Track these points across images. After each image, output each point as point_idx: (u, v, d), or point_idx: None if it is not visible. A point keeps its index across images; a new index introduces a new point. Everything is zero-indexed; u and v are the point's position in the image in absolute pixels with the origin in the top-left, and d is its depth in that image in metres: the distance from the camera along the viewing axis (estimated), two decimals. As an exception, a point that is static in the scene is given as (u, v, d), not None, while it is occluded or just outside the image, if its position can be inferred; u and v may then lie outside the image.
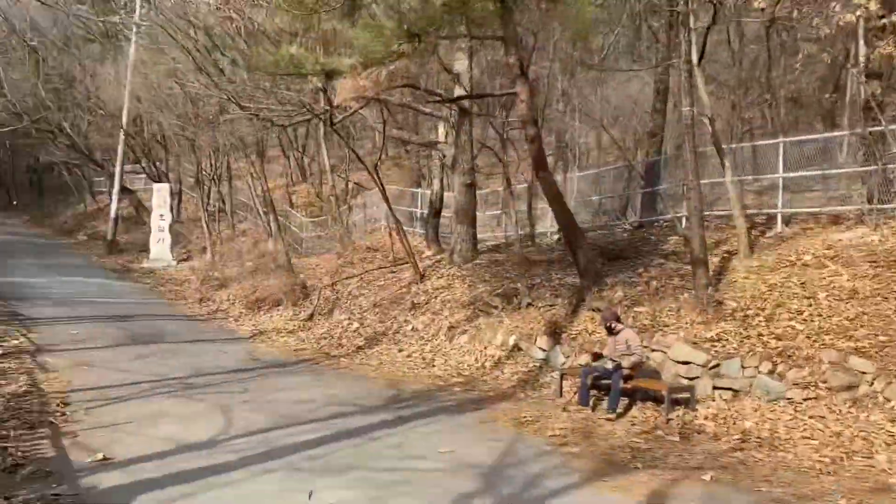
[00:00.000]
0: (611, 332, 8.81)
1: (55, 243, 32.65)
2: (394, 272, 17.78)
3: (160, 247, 27.09)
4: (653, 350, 9.17)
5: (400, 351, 12.82)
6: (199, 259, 26.28)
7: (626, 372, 8.34)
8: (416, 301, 14.92)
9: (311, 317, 16.98)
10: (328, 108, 12.88)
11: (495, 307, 12.69)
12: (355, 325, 15.39)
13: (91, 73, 31.95)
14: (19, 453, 5.90)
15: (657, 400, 8.29)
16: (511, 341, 11.53)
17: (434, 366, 11.63)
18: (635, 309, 10.11)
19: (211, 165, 28.63)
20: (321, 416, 8.05)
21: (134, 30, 29.72)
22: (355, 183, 30.16)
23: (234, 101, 13.81)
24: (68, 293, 19.13)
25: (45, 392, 8.51)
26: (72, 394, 8.56)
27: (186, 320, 17.28)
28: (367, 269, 18.75)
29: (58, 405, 7.84)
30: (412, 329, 13.66)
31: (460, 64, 15.19)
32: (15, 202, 47.45)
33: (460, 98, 13.79)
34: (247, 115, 14.15)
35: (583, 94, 20.41)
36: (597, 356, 9.00)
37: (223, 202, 30.29)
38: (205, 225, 27.01)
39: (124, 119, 28.85)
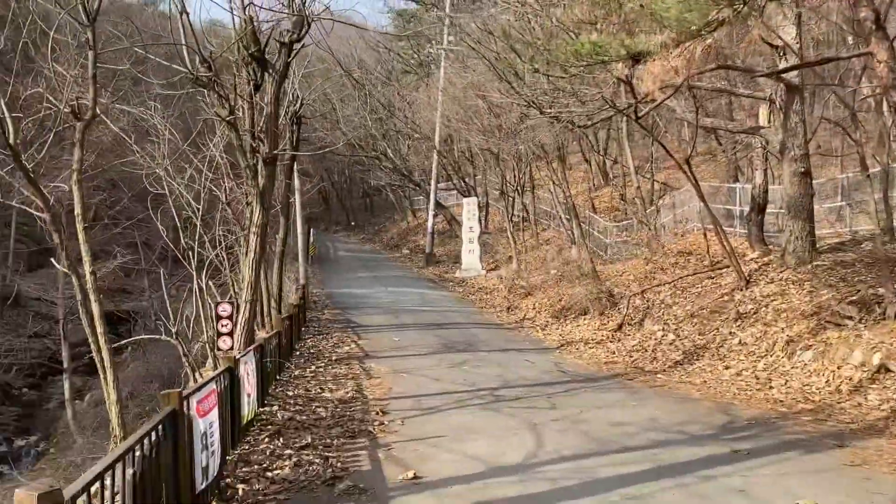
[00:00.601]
0: None
1: (382, 257, 36.30)
2: (711, 277, 15.94)
3: (470, 257, 28.37)
4: None
5: (726, 368, 11.16)
6: (506, 268, 26.87)
7: None
8: (741, 310, 13.03)
9: (619, 327, 15.95)
10: (632, 101, 11.79)
11: (849, 318, 10.37)
12: (670, 336, 14.00)
13: (408, 101, 35.09)
14: (339, 464, 5.97)
15: None
16: (875, 360, 9.23)
17: (771, 387, 9.82)
18: None
19: (514, 176, 29.27)
20: (640, 444, 7.04)
21: (442, 55, 31.91)
22: (662, 183, 28.41)
23: (535, 105, 13.47)
24: (392, 302, 20.75)
25: (368, 399, 8.85)
26: (391, 402, 8.78)
27: (495, 328, 17.48)
28: (681, 274, 17.11)
29: (377, 413, 8.03)
30: (739, 343, 11.88)
31: (786, 33, 12.96)
32: (353, 222, 54.10)
33: (793, 68, 11.67)
34: (547, 118, 13.72)
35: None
36: None
37: (526, 212, 30.78)
38: (510, 234, 27.60)
39: (436, 139, 30.94)
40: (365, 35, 44.22)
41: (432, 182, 32.70)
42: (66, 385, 20.86)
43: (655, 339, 14.12)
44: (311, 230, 44.89)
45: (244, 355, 6.92)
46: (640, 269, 20.45)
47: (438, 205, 34.52)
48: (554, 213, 31.62)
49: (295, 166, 19.00)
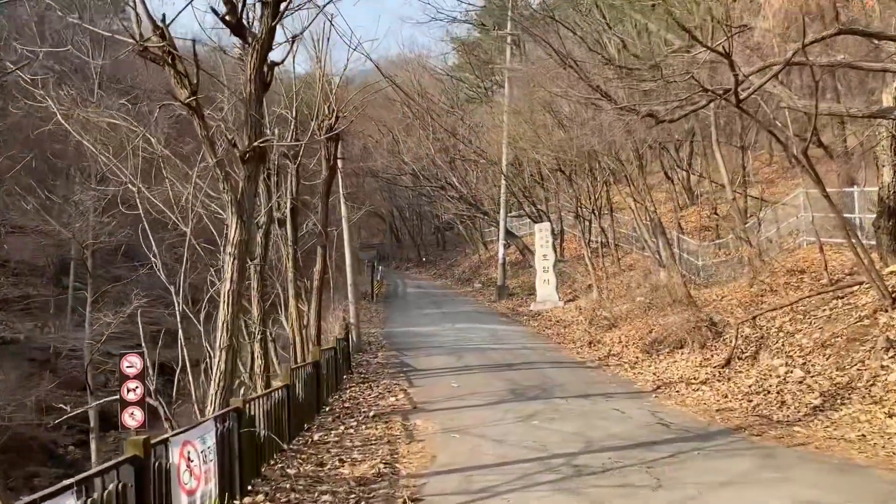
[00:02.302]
0: None
1: (452, 292, 34.12)
2: (841, 297, 12.89)
3: (546, 288, 25.78)
4: None
5: (890, 416, 8.24)
6: (585, 298, 24.14)
7: None
8: (892, 336, 10.04)
9: (727, 362, 13.06)
10: (736, 75, 9.25)
11: None
12: (797, 373, 11.07)
13: (471, 126, 33.21)
14: None
15: None
16: None
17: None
18: None
19: (589, 197, 26.66)
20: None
21: (507, 75, 29.96)
22: (756, 198, 25.13)
23: (604, 96, 11.08)
24: (457, 340, 18.45)
25: (399, 477, 6.52)
26: (429, 480, 6.44)
27: (575, 367, 14.88)
28: (799, 296, 14.09)
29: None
30: (900, 380, 8.91)
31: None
32: (424, 258, 52.65)
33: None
34: (624, 108, 11.29)
35: None
36: None
37: (605, 236, 28.02)
38: (588, 261, 24.90)
39: (503, 162, 28.78)
40: (428, 65, 43.10)
41: (501, 209, 30.42)
42: (93, 448, 19.02)
43: (778, 377, 11.23)
44: (379, 266, 43.56)
45: (187, 431, 4.72)
46: (742, 291, 17.50)
47: (509, 233, 32.18)
48: (636, 236, 28.79)
49: (341, 191, 17.20)
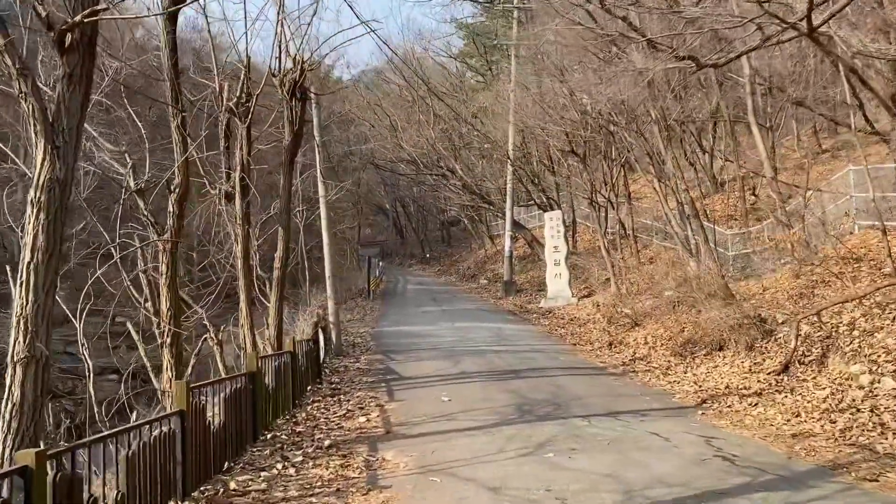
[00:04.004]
0: None
1: (456, 289, 31.64)
2: (927, 287, 10.34)
3: (557, 282, 23.21)
4: None
5: None
6: (603, 293, 21.60)
7: None
8: None
9: (785, 367, 10.54)
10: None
11: None
12: (889, 382, 8.56)
13: (475, 112, 30.72)
14: None
15: None
16: None
17: None
18: None
19: (605, 184, 24.07)
20: None
21: (513, 52, 27.48)
22: (790, 184, 22.47)
23: (634, 27, 8.55)
24: (456, 342, 15.96)
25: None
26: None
27: (595, 374, 12.37)
28: (864, 287, 11.57)
29: None
30: None
31: None
32: (428, 255, 50.37)
33: None
34: (659, 44, 8.78)
35: None
36: None
37: (623, 226, 25.42)
38: (605, 252, 22.33)
39: (510, 145, 26.24)
40: (430, 48, 40.65)
41: (508, 198, 27.86)
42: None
43: (861, 389, 8.73)
44: (380, 262, 41.13)
45: None
46: (788, 283, 15.06)
47: (517, 225, 29.64)
48: (658, 226, 26.20)
49: (319, 166, 14.70)
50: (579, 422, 8.21)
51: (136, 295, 9.27)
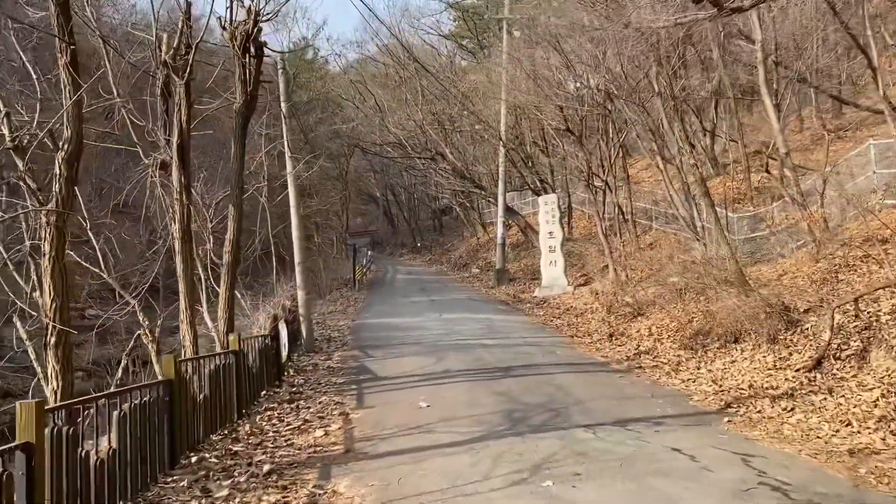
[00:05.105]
0: None
1: (446, 278, 30.17)
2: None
3: (552, 270, 21.75)
4: None
5: None
6: (601, 280, 20.14)
7: None
8: None
9: (818, 363, 9.12)
10: None
11: None
12: (954, 383, 7.11)
13: (465, 92, 29.15)
14: None
15: None
16: None
17: None
18: None
19: (602, 166, 22.59)
20: None
21: (504, 27, 25.88)
22: (797, 166, 21.01)
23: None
24: (442, 335, 14.49)
25: None
26: None
27: (596, 371, 10.92)
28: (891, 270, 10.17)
29: None
30: None
31: None
32: (419, 244, 49.01)
33: None
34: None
35: None
36: None
37: (621, 211, 23.96)
38: (602, 237, 20.86)
39: (502, 125, 24.68)
40: (420, 29, 39.01)
41: (500, 182, 26.31)
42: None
43: (918, 390, 7.26)
44: (369, 251, 39.61)
45: None
46: (808, 268, 13.70)
47: (510, 211, 28.13)
48: (658, 211, 24.80)
49: (286, 138, 13.12)
50: (582, 433, 6.74)
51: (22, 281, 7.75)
